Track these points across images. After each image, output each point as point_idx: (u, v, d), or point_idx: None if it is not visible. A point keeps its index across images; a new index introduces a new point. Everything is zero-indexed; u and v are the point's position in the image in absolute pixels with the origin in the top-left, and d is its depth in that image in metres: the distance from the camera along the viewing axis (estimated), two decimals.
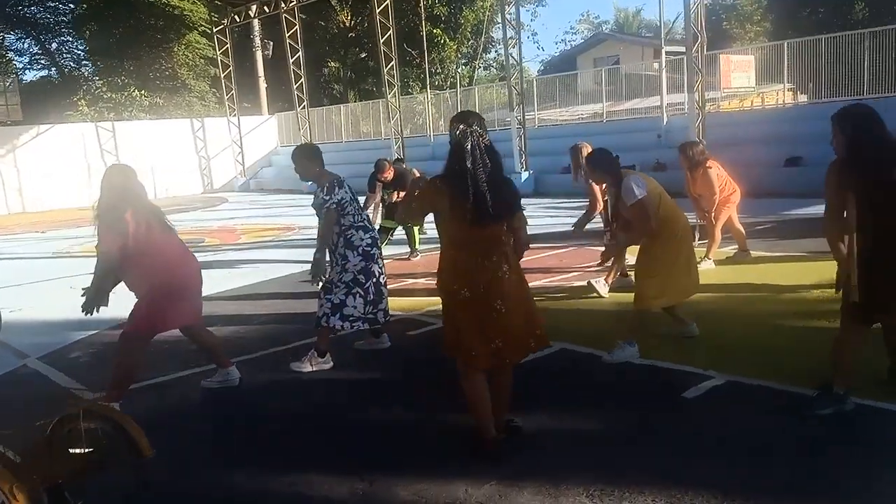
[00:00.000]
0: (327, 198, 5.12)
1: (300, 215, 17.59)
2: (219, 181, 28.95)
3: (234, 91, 27.85)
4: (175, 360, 5.57)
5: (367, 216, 5.71)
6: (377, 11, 20.86)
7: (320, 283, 5.25)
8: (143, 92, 28.81)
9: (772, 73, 19.46)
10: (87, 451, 2.96)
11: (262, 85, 31.42)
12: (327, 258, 5.30)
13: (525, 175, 18.30)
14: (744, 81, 23.06)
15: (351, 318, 5.28)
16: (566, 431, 3.96)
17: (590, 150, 6.86)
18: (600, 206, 7.10)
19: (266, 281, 8.95)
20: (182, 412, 4.67)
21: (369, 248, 5.33)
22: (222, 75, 27.81)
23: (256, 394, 4.94)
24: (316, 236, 5.33)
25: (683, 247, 5.07)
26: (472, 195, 3.37)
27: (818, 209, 11.23)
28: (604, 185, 6.62)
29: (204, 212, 20.55)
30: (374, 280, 5.35)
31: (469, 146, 3.39)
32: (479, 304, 3.51)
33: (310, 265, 5.22)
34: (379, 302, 5.42)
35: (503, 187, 3.49)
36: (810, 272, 6.97)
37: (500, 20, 35.77)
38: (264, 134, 30.61)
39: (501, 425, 3.71)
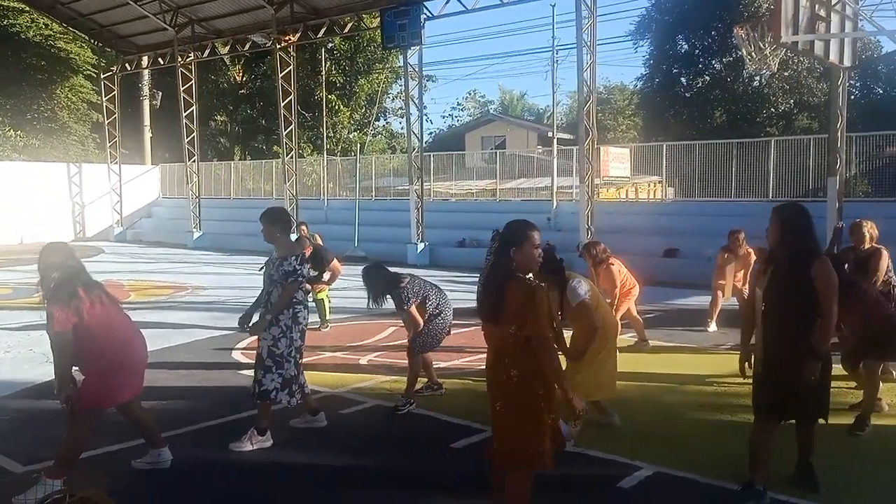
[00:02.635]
0: (300, 268, 5.22)
1: (190, 273, 17.12)
2: (92, 229, 27.51)
3: (117, 138, 26.89)
4: (102, 433, 5.34)
5: None
6: (280, 76, 21.01)
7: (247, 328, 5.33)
8: (18, 132, 27.19)
9: (645, 167, 21.25)
10: None
11: (147, 134, 30.52)
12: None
13: (421, 247, 18.75)
14: (620, 171, 25.00)
15: (295, 395, 5.35)
16: None
17: None
18: None
19: (173, 347, 8.69)
20: (116, 493, 4.50)
21: (306, 328, 5.47)
22: (106, 122, 26.83)
23: (197, 474, 4.85)
24: (263, 300, 5.35)
25: (611, 345, 5.54)
26: (477, 296, 3.72)
27: (697, 299, 12.17)
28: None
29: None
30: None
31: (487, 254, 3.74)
32: (490, 399, 3.72)
33: (239, 321, 5.37)
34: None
35: (491, 290, 3.59)
36: (706, 364, 7.68)
37: (391, 91, 37.08)
38: (146, 184, 29.56)
39: None
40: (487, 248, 3.79)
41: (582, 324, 5.28)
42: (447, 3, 17.42)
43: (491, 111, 47.39)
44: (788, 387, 4.17)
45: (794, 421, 4.44)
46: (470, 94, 55.16)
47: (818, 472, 4.47)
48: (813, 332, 4.13)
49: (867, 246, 6.76)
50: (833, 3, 10.08)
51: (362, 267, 6.42)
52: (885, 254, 6.65)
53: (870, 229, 6.77)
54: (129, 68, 26.95)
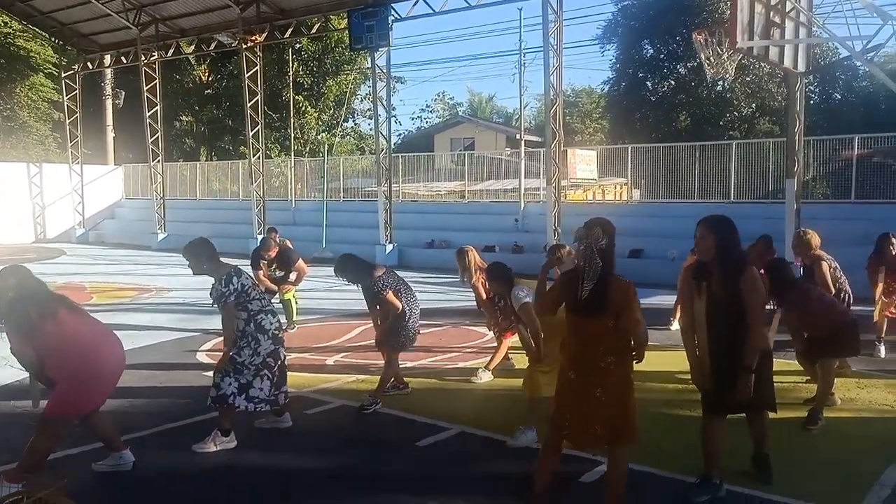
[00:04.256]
0: (225, 289, 5.18)
1: (153, 275, 16.91)
2: (53, 231, 27.03)
3: (79, 138, 26.45)
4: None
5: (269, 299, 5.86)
6: (246, 76, 20.86)
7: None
8: None
9: (611, 169, 21.54)
10: None
11: (110, 134, 30.05)
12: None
13: (389, 248, 18.76)
14: (587, 173, 25.28)
15: (256, 400, 5.34)
16: None
17: (475, 252, 7.49)
18: (484, 298, 7.51)
19: (138, 349, 8.57)
20: (77, 495, 4.45)
21: (277, 332, 5.47)
22: (67, 121, 26.37)
23: (160, 476, 4.82)
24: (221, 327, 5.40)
25: None
26: (580, 290, 3.90)
27: (661, 299, 12.40)
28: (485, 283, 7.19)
29: (41, 264, 19.05)
30: (280, 363, 5.48)
31: (584, 250, 3.91)
32: (582, 388, 3.94)
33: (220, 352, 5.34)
34: (281, 384, 5.52)
35: (602, 286, 3.86)
36: (668, 361, 7.79)
37: (360, 93, 36.99)
38: (109, 185, 29.12)
39: None
40: (580, 247, 3.94)
41: (527, 322, 5.47)
42: (415, 4, 17.49)
43: (460, 113, 47.56)
44: (731, 385, 4.26)
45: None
46: (439, 97, 55.22)
47: (773, 465, 4.59)
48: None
49: (809, 255, 6.87)
50: (788, 10, 10.31)
51: (336, 258, 6.47)
52: (823, 263, 6.72)
53: (811, 238, 6.86)
54: (91, 67, 26.53)
